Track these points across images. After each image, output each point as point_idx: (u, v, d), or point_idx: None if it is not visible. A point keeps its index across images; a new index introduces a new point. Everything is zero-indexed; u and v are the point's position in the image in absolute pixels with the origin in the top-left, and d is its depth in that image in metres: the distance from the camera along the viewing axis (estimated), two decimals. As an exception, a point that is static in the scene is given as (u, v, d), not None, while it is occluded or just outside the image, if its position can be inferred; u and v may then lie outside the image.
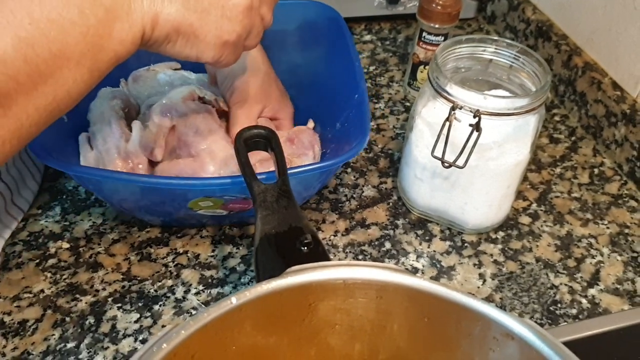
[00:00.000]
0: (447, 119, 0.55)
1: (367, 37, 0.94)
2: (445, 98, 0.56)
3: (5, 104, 0.34)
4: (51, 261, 0.58)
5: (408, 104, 0.82)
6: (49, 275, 0.57)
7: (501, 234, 0.65)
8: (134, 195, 0.56)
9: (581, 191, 0.71)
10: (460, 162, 0.56)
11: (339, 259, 0.61)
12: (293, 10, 0.72)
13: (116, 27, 0.38)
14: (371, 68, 0.88)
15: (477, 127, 0.55)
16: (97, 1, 0.37)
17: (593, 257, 0.63)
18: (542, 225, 0.66)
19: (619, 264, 0.62)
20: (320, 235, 0.63)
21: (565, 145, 0.77)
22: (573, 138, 0.78)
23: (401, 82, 0.85)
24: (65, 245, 0.60)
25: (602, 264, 0.62)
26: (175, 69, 0.72)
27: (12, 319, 0.53)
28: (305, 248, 0.38)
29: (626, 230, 0.66)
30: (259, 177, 0.45)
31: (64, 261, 0.58)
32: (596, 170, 0.74)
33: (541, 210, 0.68)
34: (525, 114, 0.56)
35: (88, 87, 0.38)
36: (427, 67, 0.79)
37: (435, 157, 0.57)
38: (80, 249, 0.60)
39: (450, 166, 0.56)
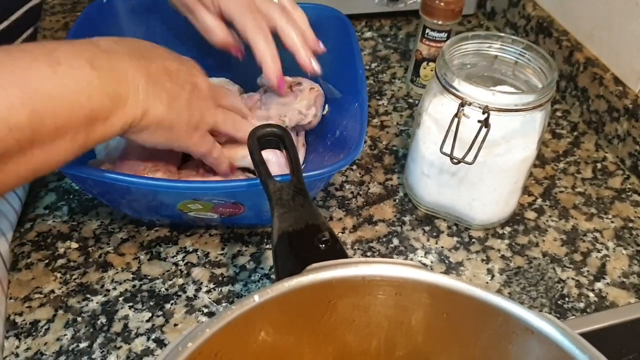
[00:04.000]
0: (456, 115, 0.56)
1: (368, 34, 0.94)
2: (454, 94, 0.56)
3: (2, 161, 0.38)
4: (60, 261, 0.58)
5: (411, 100, 0.82)
6: (58, 275, 0.57)
7: (508, 229, 0.65)
8: (128, 196, 0.56)
9: (585, 186, 0.71)
10: (469, 158, 0.56)
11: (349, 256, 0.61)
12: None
13: (114, 114, 0.43)
14: (373, 65, 0.88)
15: (486, 123, 0.55)
16: (104, 91, 0.42)
17: (599, 251, 0.64)
18: (547, 220, 0.67)
19: (625, 258, 0.63)
20: (329, 233, 0.63)
21: (568, 141, 0.78)
22: (575, 133, 0.79)
23: (403, 78, 0.86)
24: (74, 245, 0.60)
25: (607, 258, 0.63)
26: None
27: (24, 320, 0.53)
28: (324, 245, 0.39)
29: (630, 224, 0.67)
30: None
31: (73, 261, 0.58)
32: (599, 165, 0.74)
33: (546, 205, 0.68)
34: (533, 110, 0.57)
35: (70, 159, 0.42)
36: (430, 63, 0.79)
37: (444, 154, 0.57)
38: (89, 248, 0.60)
39: (459, 162, 0.57)
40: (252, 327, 0.34)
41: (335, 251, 0.39)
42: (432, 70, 0.80)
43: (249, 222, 0.61)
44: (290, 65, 0.60)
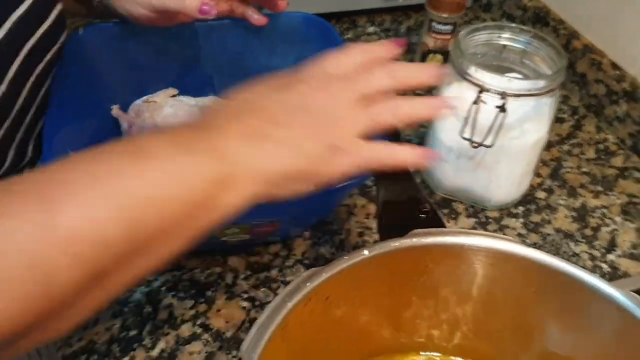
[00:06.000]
0: (475, 102, 0.59)
1: (371, 29, 0.97)
2: (471, 82, 0.60)
3: (101, 280, 0.33)
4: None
5: (419, 91, 0.85)
6: (100, 269, 0.59)
7: (521, 208, 0.69)
8: None
9: (589, 166, 0.75)
10: (488, 142, 0.59)
11: (374, 240, 0.64)
12: (283, 22, 0.70)
13: (223, 195, 0.36)
14: (378, 58, 0.91)
15: (502, 108, 0.58)
16: (202, 177, 0.35)
17: (607, 225, 0.67)
18: (557, 199, 0.70)
19: (632, 231, 0.67)
20: (354, 219, 0.66)
21: (570, 124, 0.81)
22: (576, 117, 0.83)
23: (409, 70, 0.89)
24: (112, 240, 0.62)
25: (616, 232, 0.67)
26: (173, 95, 0.70)
27: (73, 312, 0.55)
28: (424, 216, 0.42)
29: (635, 200, 0.71)
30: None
31: (112, 255, 0.61)
32: (601, 146, 0.78)
33: (555, 185, 0.72)
34: (545, 95, 0.60)
35: (182, 251, 0.36)
36: (435, 55, 0.83)
37: (465, 139, 0.60)
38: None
39: (478, 146, 0.60)
40: (359, 278, 0.38)
41: (435, 221, 0.43)
42: (438, 62, 0.83)
43: (273, 239, 0.61)
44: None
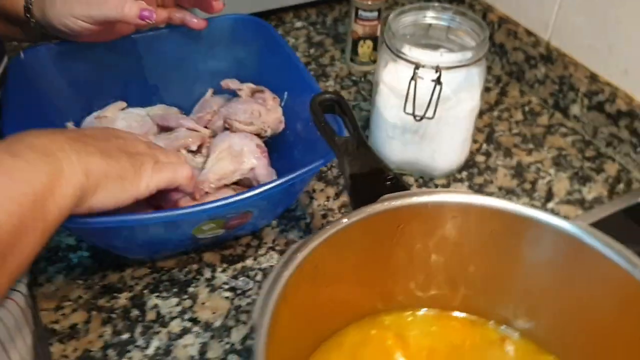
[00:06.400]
0: (413, 78, 0.64)
1: (299, 24, 1.01)
2: (407, 60, 0.65)
3: None
4: (78, 270, 0.62)
5: (354, 77, 0.90)
6: (80, 282, 0.61)
7: (465, 173, 0.75)
8: (141, 235, 0.57)
9: (519, 127, 0.82)
10: (429, 114, 0.65)
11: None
12: (219, 26, 0.73)
13: (57, 186, 0.43)
14: (311, 51, 0.95)
15: (438, 80, 0.64)
16: (35, 170, 0.42)
17: (543, 178, 0.74)
18: (495, 161, 0.77)
19: (565, 180, 0.74)
20: (315, 203, 0.70)
21: (496, 92, 0.88)
22: (500, 84, 0.90)
23: (341, 59, 0.93)
24: (86, 253, 0.64)
25: (552, 182, 0.74)
26: (123, 108, 0.72)
27: (62, 326, 0.57)
28: (389, 182, 0.46)
29: (563, 152, 0.78)
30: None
31: (89, 267, 0.62)
32: (526, 108, 0.85)
33: (491, 148, 0.79)
34: (474, 65, 0.66)
35: (40, 249, 0.43)
36: (366, 41, 0.88)
37: (408, 114, 0.65)
38: (101, 255, 0.63)
39: (421, 119, 0.65)
40: (341, 245, 0.43)
41: (400, 186, 0.47)
42: (369, 48, 0.88)
43: (243, 232, 0.64)
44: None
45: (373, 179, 0.48)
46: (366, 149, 0.50)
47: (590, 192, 0.73)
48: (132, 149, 0.52)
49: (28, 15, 0.64)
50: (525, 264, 0.47)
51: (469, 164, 0.76)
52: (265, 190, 0.53)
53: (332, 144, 0.51)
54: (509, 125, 0.82)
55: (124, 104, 0.72)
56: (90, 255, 0.63)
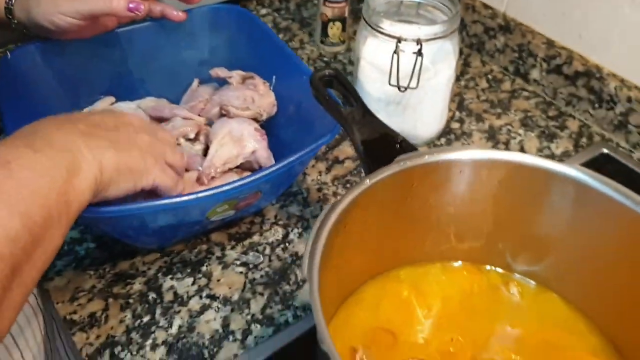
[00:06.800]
0: (395, 52, 0.68)
1: (264, 11, 1.03)
2: (389, 35, 0.68)
3: (17, 275, 0.39)
4: (86, 261, 0.63)
5: (326, 58, 0.93)
6: (92, 272, 0.62)
7: (443, 139, 0.79)
8: (148, 222, 0.57)
9: (485, 94, 0.87)
10: (413, 84, 0.69)
11: (333, 193, 0.71)
12: (198, 16, 0.75)
13: (76, 181, 0.45)
14: (280, 36, 0.97)
15: (419, 52, 0.67)
16: (57, 165, 0.44)
17: (514, 138, 0.80)
18: (469, 126, 0.81)
19: (534, 138, 0.80)
20: (309, 178, 0.73)
21: (460, 64, 0.93)
22: (463, 57, 0.95)
23: (310, 42, 0.96)
24: (92, 244, 0.64)
25: (523, 141, 0.79)
26: (112, 103, 0.72)
27: (81, 316, 0.58)
28: (399, 145, 0.49)
29: (529, 114, 0.84)
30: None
31: (98, 258, 0.63)
32: (490, 76, 0.91)
33: (464, 115, 0.83)
34: (449, 36, 0.70)
35: (64, 238, 0.45)
36: (336, 23, 0.91)
37: (392, 85, 0.69)
38: (109, 243, 0.64)
39: (405, 90, 0.69)
40: (365, 205, 0.46)
41: (410, 148, 0.50)
42: (338, 29, 0.91)
43: (249, 212, 0.66)
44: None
45: (383, 144, 0.51)
46: (372, 116, 0.53)
47: (558, 148, 0.79)
48: (140, 141, 0.53)
49: (10, 17, 0.64)
50: (531, 211, 0.51)
51: (446, 131, 0.80)
52: (280, 167, 0.55)
53: (339, 116, 0.54)
54: (476, 93, 0.87)
55: (113, 99, 0.73)
56: (97, 246, 0.64)
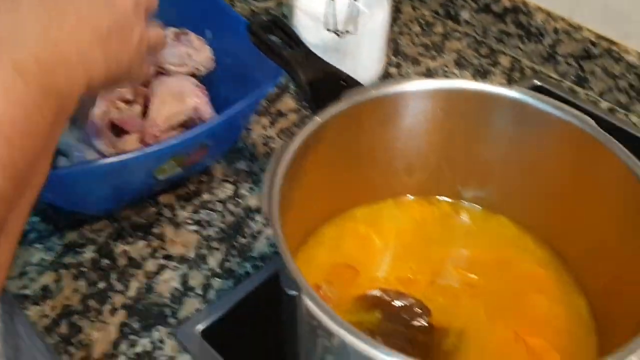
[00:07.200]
0: (330, -3, 0.67)
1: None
2: (321, -19, 0.68)
3: (2, 231, 0.34)
4: (32, 235, 0.60)
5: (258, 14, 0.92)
6: (38, 246, 0.60)
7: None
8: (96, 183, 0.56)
9: (419, 38, 0.88)
10: (351, 29, 0.69)
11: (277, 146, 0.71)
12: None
13: (68, 107, 0.38)
14: None
15: (354, -4, 0.67)
16: (51, 92, 0.36)
17: (451, 78, 0.81)
18: (406, 69, 0.82)
19: (470, 77, 0.82)
20: (253, 134, 0.72)
21: (393, 11, 0.93)
22: (394, 4, 0.95)
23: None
24: (36, 218, 0.62)
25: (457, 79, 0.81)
26: None
27: (33, 290, 0.56)
28: (344, 82, 0.49)
29: (461, 54, 0.85)
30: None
31: (43, 230, 0.61)
32: (421, 21, 0.92)
33: (400, 60, 0.84)
34: (380, -21, 0.70)
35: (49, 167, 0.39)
36: (264, -23, 0.89)
37: (330, 31, 0.69)
38: (53, 216, 0.62)
39: (343, 34, 0.69)
40: (316, 145, 0.46)
41: (355, 83, 0.50)
42: (267, -17, 0.90)
43: (198, 170, 0.65)
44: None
45: (329, 83, 0.51)
46: (315, 57, 0.53)
47: (492, 84, 0.80)
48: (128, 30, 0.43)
49: None
50: (474, 137, 0.53)
51: (385, 75, 0.81)
52: (225, 117, 0.55)
53: (282, 60, 0.53)
54: (410, 38, 0.88)
55: None
56: (42, 220, 0.62)
